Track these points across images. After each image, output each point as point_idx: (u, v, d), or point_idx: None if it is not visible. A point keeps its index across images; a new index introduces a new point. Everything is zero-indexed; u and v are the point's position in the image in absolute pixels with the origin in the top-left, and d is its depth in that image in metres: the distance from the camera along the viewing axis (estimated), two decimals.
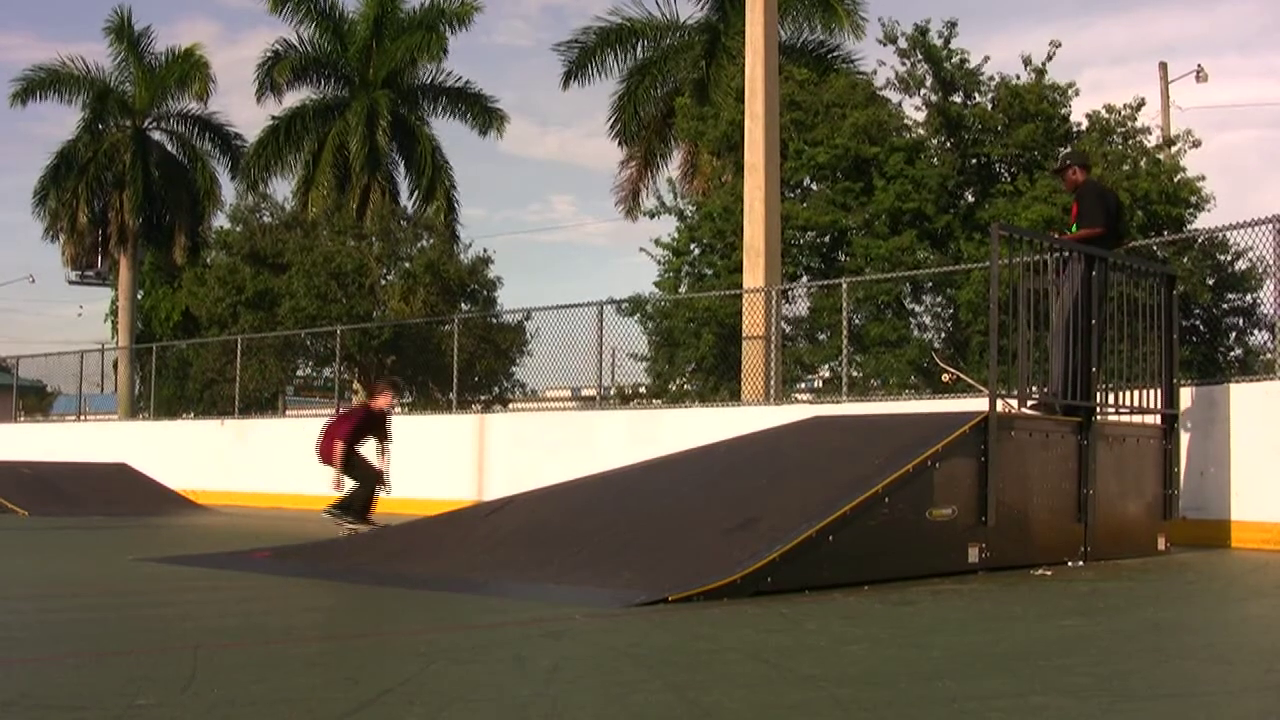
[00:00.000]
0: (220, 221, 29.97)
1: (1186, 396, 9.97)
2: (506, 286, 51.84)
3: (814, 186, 19.50)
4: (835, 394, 15.16)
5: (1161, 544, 8.94)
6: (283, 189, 47.88)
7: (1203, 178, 17.32)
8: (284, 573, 7.39)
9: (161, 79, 31.72)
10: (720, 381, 17.64)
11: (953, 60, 18.53)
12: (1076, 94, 18.46)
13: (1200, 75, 29.41)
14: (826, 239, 19.08)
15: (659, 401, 17.86)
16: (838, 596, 6.05)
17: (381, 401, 11.58)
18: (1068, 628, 5.39)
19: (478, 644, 4.76)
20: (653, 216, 21.59)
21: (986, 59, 18.68)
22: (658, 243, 20.62)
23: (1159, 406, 9.18)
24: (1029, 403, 8.27)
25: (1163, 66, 28.09)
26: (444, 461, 16.25)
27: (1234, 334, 16.63)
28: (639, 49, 26.47)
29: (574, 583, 6.28)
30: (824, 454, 7.99)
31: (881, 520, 6.71)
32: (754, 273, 15.23)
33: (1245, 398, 10.01)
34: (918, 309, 18.31)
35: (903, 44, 18.66)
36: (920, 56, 18.56)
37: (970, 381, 11.41)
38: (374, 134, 28.05)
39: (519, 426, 16.44)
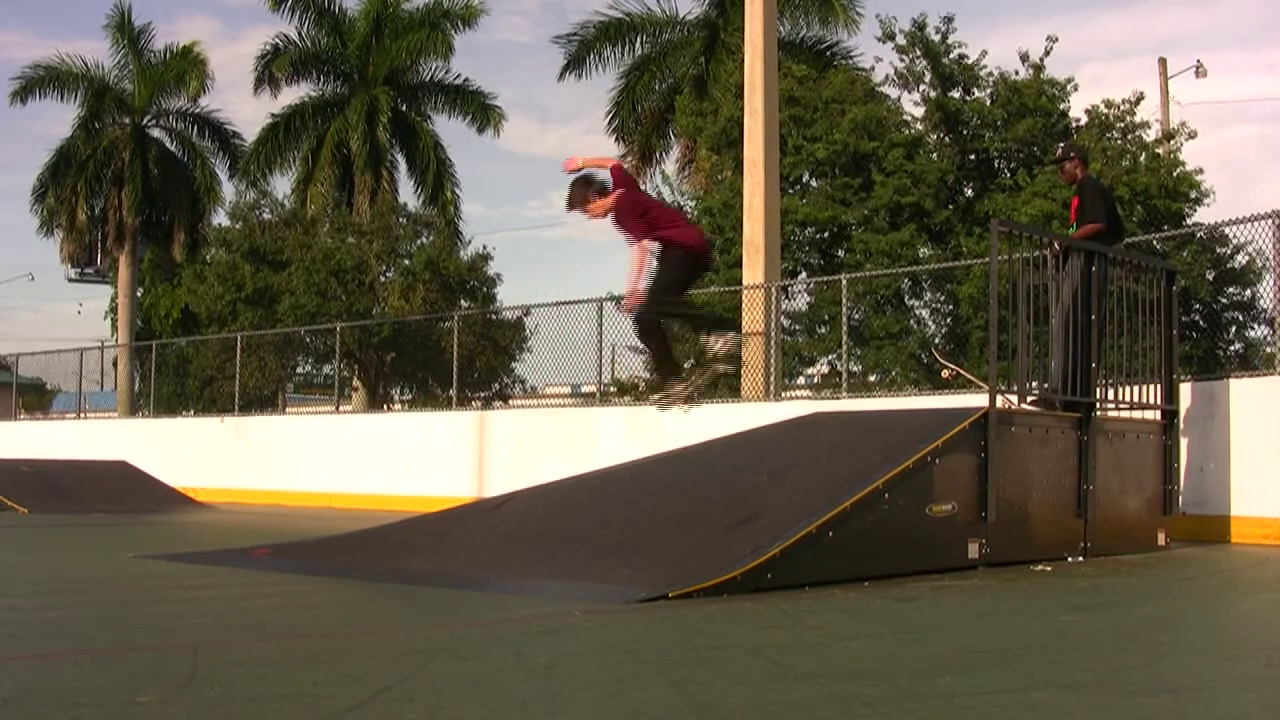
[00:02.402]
0: (220, 219, 30.01)
1: (1186, 392, 9.96)
2: (506, 283, 51.72)
3: (813, 182, 19.51)
4: (835, 390, 15.16)
5: (1161, 539, 8.94)
6: (282, 186, 47.87)
7: (1201, 172, 17.35)
8: (284, 570, 7.39)
9: (160, 76, 31.70)
10: (719, 377, 17.63)
11: (951, 55, 18.54)
12: (1075, 89, 18.49)
13: (1199, 71, 29.42)
14: (826, 234, 19.07)
15: (658, 397, 17.84)
16: (838, 592, 6.05)
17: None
18: (1068, 623, 5.40)
19: (478, 640, 4.76)
20: None
21: (984, 53, 18.65)
22: None
23: (1159, 402, 9.18)
24: (1029, 398, 8.27)
25: (1162, 62, 28.09)
26: (444, 458, 16.25)
27: (1234, 329, 16.64)
28: (638, 44, 26.47)
29: (574, 579, 6.28)
30: (824, 450, 7.99)
31: (882, 516, 6.71)
32: (753, 269, 15.22)
33: (1245, 393, 10.01)
34: (917, 304, 18.32)
35: (901, 40, 18.68)
36: (919, 52, 18.57)
37: (970, 377, 11.41)
38: (374, 131, 28.04)
39: (519, 423, 16.44)
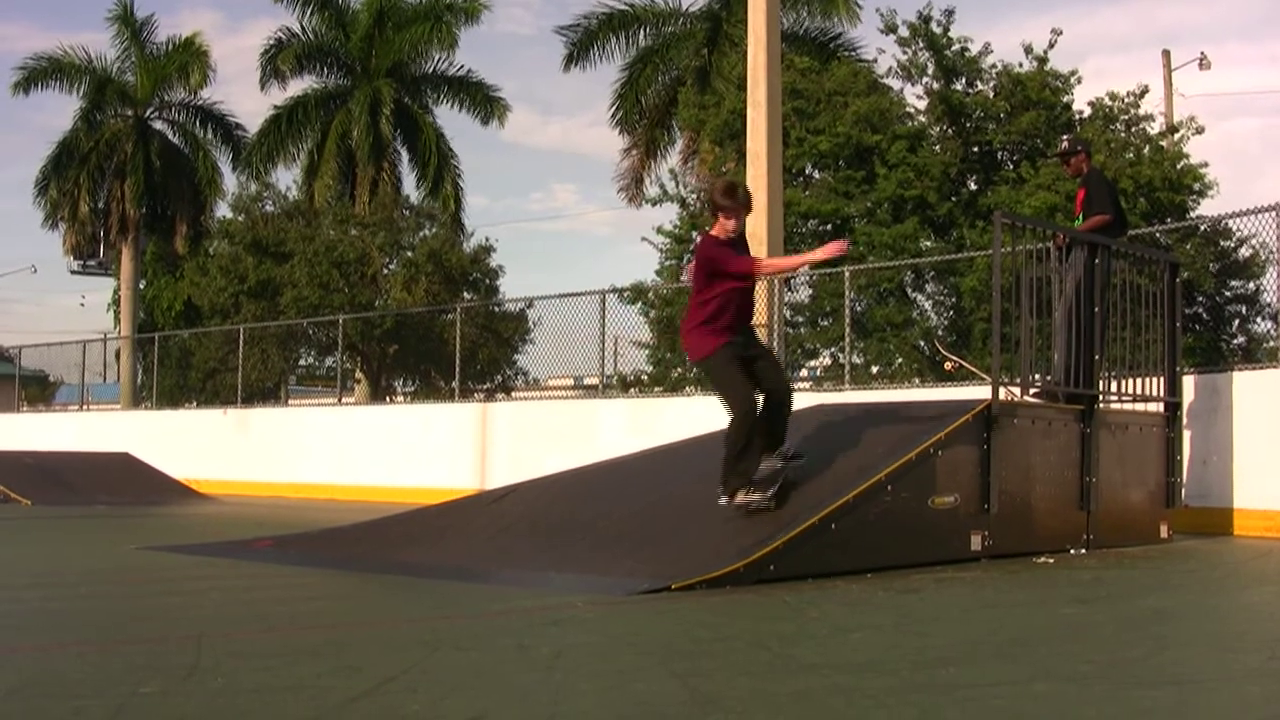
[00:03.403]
0: (222, 211, 30.01)
1: (1189, 384, 9.96)
2: (509, 275, 51.83)
3: (816, 174, 19.47)
4: (838, 382, 15.16)
5: (1164, 532, 8.94)
6: (285, 178, 47.83)
7: (1205, 164, 17.29)
8: (286, 562, 7.40)
9: (162, 68, 31.67)
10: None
11: (953, 48, 18.50)
12: (1079, 82, 18.43)
13: (1203, 63, 29.36)
14: (829, 227, 19.03)
15: (660, 390, 17.86)
16: (840, 584, 6.05)
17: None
18: (1070, 615, 5.40)
19: (480, 632, 4.76)
20: (655, 205, 21.58)
21: (988, 44, 18.58)
22: (660, 231, 20.61)
23: (1162, 394, 9.17)
24: (1031, 391, 8.27)
25: (1165, 54, 28.03)
26: (447, 450, 16.27)
27: (1237, 322, 16.60)
28: (641, 36, 26.46)
29: (576, 571, 6.28)
30: (826, 442, 7.98)
31: (884, 508, 6.71)
32: None
33: (1248, 385, 10.00)
34: (920, 297, 18.30)
35: (903, 32, 18.65)
36: (921, 44, 18.53)
37: (973, 370, 11.40)
38: (377, 123, 28.02)
39: (521, 415, 16.45)
